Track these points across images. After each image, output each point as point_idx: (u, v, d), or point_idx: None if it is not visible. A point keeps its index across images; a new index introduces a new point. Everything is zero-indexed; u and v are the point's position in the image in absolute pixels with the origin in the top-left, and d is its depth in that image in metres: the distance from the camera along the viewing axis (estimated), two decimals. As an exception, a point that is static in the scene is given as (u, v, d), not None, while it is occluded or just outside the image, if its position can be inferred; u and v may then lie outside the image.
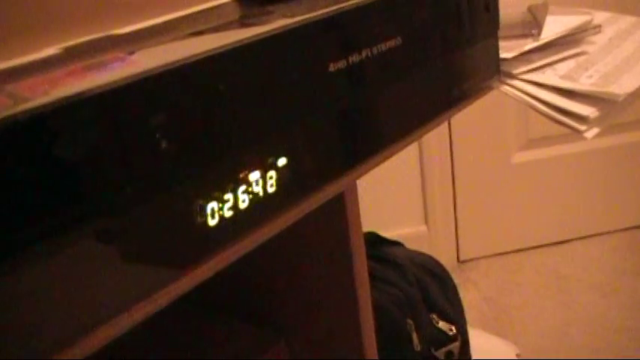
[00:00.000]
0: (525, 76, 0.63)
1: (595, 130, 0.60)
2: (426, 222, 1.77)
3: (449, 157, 1.76)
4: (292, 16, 0.40)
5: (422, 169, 1.72)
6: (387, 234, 1.19)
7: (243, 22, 0.40)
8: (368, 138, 0.47)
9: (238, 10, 0.46)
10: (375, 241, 1.18)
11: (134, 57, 0.34)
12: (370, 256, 0.92)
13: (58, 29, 0.44)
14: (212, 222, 0.36)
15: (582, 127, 0.60)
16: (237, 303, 0.77)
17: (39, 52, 0.40)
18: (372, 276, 0.99)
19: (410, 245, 1.22)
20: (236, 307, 0.78)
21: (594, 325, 1.55)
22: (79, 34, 0.43)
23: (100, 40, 0.42)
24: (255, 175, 0.38)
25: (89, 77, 0.32)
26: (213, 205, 0.36)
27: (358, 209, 0.69)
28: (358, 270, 0.70)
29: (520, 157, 1.81)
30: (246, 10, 0.44)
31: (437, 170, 1.74)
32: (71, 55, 0.39)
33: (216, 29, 0.39)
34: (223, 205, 0.37)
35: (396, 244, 1.20)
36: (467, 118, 1.69)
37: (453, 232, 1.82)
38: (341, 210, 0.65)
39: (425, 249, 1.23)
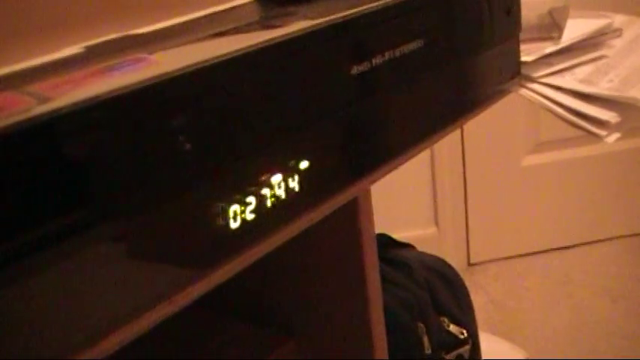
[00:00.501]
0: (545, 80, 0.62)
1: (615, 135, 0.59)
2: (437, 224, 1.77)
3: (460, 159, 1.75)
4: (314, 17, 0.40)
5: (433, 171, 1.72)
6: (396, 235, 1.19)
7: (265, 24, 0.39)
8: (387, 141, 0.47)
9: (259, 10, 0.45)
10: (385, 243, 1.17)
11: (156, 58, 0.33)
12: (381, 259, 0.91)
13: (77, 28, 0.44)
14: (234, 225, 0.36)
15: (602, 132, 0.60)
16: (247, 303, 0.77)
17: (59, 51, 0.40)
18: (383, 278, 0.98)
19: (420, 247, 1.21)
20: (245, 307, 0.77)
21: (602, 330, 1.55)
22: (99, 34, 0.43)
23: (120, 39, 0.42)
24: (277, 178, 0.38)
25: (111, 78, 0.31)
26: (235, 207, 0.36)
27: (371, 211, 0.69)
28: (369, 272, 0.69)
29: (530, 160, 1.80)
30: (267, 11, 0.44)
31: (447, 172, 1.74)
32: (92, 54, 0.38)
33: (237, 30, 0.39)
34: (245, 207, 0.36)
35: (406, 246, 1.19)
36: (478, 121, 1.67)
37: (464, 234, 1.81)
38: (353, 211, 0.65)
39: (435, 251, 1.22)
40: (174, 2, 0.48)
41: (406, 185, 1.70)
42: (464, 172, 1.77)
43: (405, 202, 1.73)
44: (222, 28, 0.39)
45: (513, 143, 1.78)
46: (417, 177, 1.72)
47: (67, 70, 0.34)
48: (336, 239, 0.67)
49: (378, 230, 0.76)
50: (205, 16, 0.45)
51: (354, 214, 0.66)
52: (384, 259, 1.10)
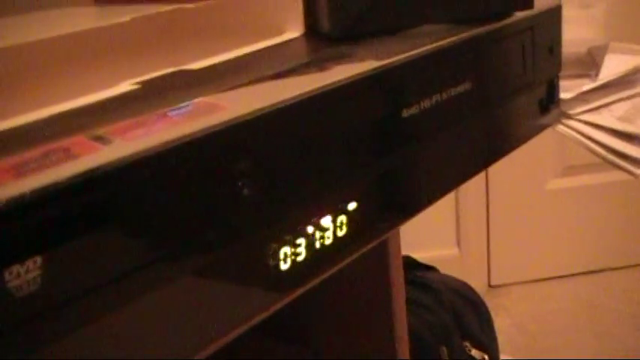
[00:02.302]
0: (582, 117, 0.63)
1: (653, 175, 0.60)
2: (459, 245, 1.77)
3: (484, 182, 1.75)
4: (372, 59, 0.40)
5: (457, 192, 1.72)
6: (418, 255, 1.19)
7: (321, 66, 0.40)
8: (429, 184, 0.47)
9: (310, 49, 0.46)
10: (410, 265, 1.18)
11: (223, 102, 0.34)
12: (405, 281, 0.91)
13: (127, 61, 0.45)
14: (284, 266, 0.37)
15: (638, 171, 0.60)
16: (273, 321, 0.77)
17: (112, 87, 0.41)
18: (408, 300, 0.98)
19: (441, 268, 1.21)
20: (271, 325, 0.78)
21: (625, 358, 1.53)
22: (150, 68, 0.43)
23: (173, 75, 0.42)
24: (326, 220, 0.38)
25: (181, 123, 0.32)
26: (286, 249, 0.36)
27: (399, 236, 0.69)
28: (395, 294, 0.70)
29: (556, 183, 1.80)
30: (320, 51, 0.45)
31: (472, 194, 1.73)
32: (149, 92, 0.39)
33: (295, 72, 0.39)
34: (295, 249, 0.37)
35: (430, 268, 1.19)
36: (503, 143, 1.68)
37: (485, 256, 1.81)
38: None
39: (456, 272, 1.23)
40: (220, 37, 0.49)
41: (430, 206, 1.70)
42: (487, 194, 1.77)
43: (427, 223, 1.72)
44: (279, 69, 0.40)
45: (539, 167, 1.78)
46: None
47: (128, 111, 0.35)
48: (365, 263, 0.68)
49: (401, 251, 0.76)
50: (257, 53, 0.46)
51: (382, 240, 0.66)
52: (408, 281, 1.10)
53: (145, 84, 0.41)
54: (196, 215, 0.31)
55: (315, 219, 0.38)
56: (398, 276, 0.70)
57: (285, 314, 0.76)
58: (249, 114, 0.32)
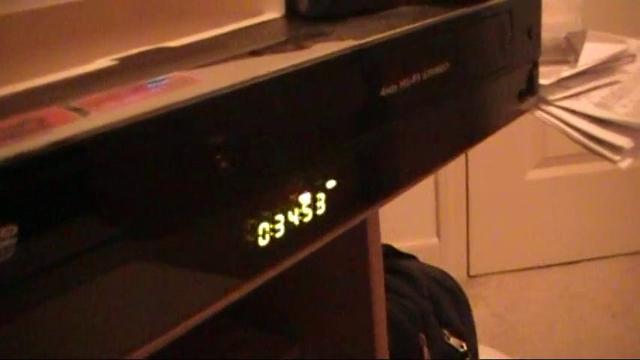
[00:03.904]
0: (560, 103, 0.63)
1: (629, 161, 0.60)
2: (438, 235, 1.78)
3: (464, 172, 1.76)
4: (347, 39, 0.40)
5: (436, 182, 1.72)
6: (398, 245, 1.19)
7: (299, 44, 0.40)
8: (408, 164, 0.48)
9: (289, 28, 0.46)
10: (389, 253, 1.18)
11: (197, 76, 0.34)
12: (385, 269, 0.92)
13: (107, 40, 0.45)
14: (263, 242, 0.37)
15: (616, 157, 0.60)
16: (255, 308, 0.78)
17: (90, 63, 0.41)
18: (387, 288, 0.99)
19: (420, 257, 1.22)
20: (254, 312, 0.78)
21: (603, 347, 1.55)
22: (128, 45, 0.43)
23: (152, 52, 0.42)
24: (305, 197, 0.38)
25: (158, 96, 0.32)
26: (264, 225, 0.36)
27: (378, 222, 0.69)
28: (375, 282, 0.70)
29: (535, 174, 1.81)
30: (299, 30, 0.45)
31: (451, 184, 1.74)
32: (127, 68, 0.39)
33: (273, 50, 0.39)
34: (274, 225, 0.37)
35: (410, 257, 1.20)
36: (483, 134, 1.69)
37: (465, 246, 1.82)
38: (361, 223, 0.65)
39: (435, 262, 1.23)
40: (200, 16, 0.49)
41: (409, 195, 1.70)
42: (467, 184, 1.78)
43: (407, 212, 1.73)
44: (257, 47, 0.40)
45: (519, 157, 1.79)
46: (421, 187, 1.72)
47: (105, 85, 0.35)
48: (344, 249, 0.68)
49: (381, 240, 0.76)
50: (236, 31, 0.46)
51: (361, 226, 0.66)
52: (388, 269, 1.10)
53: (124, 60, 0.41)
54: (174, 188, 0.31)
55: (294, 196, 0.38)
56: (377, 263, 0.70)
57: (264, 302, 0.76)
58: (227, 87, 0.32)
